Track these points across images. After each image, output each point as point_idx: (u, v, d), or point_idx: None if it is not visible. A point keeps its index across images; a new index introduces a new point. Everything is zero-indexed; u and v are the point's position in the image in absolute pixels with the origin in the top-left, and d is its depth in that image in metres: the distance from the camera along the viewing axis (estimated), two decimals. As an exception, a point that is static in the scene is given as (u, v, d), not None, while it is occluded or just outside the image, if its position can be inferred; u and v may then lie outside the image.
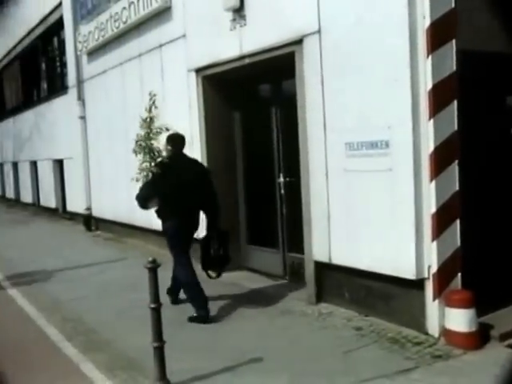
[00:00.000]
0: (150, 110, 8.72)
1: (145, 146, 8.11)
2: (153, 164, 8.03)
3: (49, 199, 17.02)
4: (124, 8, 9.88)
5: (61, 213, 16.07)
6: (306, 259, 6.50)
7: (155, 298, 4.39)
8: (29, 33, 17.66)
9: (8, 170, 22.55)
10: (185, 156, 6.65)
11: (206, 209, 6.47)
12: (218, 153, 8.14)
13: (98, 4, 11.24)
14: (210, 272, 6.54)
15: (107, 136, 11.68)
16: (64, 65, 14.94)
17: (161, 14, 8.97)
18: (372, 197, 5.46)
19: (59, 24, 14.54)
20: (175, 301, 6.75)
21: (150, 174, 7.08)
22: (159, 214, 6.45)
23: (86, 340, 5.77)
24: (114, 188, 11.56)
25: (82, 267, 9.19)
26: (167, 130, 7.88)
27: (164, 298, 5.23)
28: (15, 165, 21.33)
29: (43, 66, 17.41)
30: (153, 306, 4.38)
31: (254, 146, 8.08)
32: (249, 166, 8.19)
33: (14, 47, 19.83)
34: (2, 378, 4.72)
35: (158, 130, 8.49)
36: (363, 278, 5.75)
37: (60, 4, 14.14)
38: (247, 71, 7.42)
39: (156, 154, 8.15)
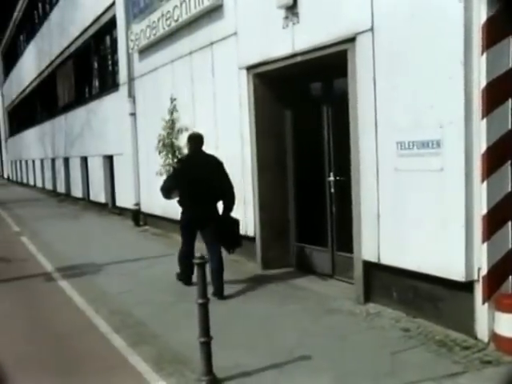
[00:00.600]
0: (171, 114, 10.21)
1: (167, 145, 10.05)
2: (174, 160, 9.28)
3: (98, 194, 17.35)
4: (176, 6, 9.97)
5: (110, 208, 16.34)
6: (355, 258, 6.45)
7: (203, 293, 4.43)
8: (82, 32, 18.06)
9: (59, 165, 23.08)
10: (203, 152, 7.38)
11: (223, 197, 7.19)
12: (268, 151, 8.15)
13: (151, 3, 11.37)
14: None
15: (157, 133, 11.76)
16: (115, 63, 15.19)
17: (212, 12, 9.02)
18: (422, 197, 5.38)
19: (112, 23, 14.82)
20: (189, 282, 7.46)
21: (172, 169, 8.30)
22: (180, 203, 7.38)
23: (134, 333, 5.86)
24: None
25: (130, 261, 9.33)
26: (187, 130, 9.37)
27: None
28: (66, 160, 21.83)
29: (95, 64, 17.74)
30: (200, 301, 4.41)
31: (304, 144, 8.04)
32: (299, 164, 8.16)
33: (68, 46, 20.31)
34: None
35: (179, 130, 9.97)
36: (412, 278, 5.68)
37: (113, 4, 14.40)
38: (298, 69, 7.39)
39: (177, 151, 9.93)
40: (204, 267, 4.47)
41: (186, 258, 7.30)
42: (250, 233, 8.40)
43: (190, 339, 5.12)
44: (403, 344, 5.11)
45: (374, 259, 6.11)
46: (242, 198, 8.46)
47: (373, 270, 6.24)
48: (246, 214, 8.43)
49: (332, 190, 7.45)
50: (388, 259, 5.92)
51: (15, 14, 33.43)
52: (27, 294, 7.79)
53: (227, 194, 7.20)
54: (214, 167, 7.26)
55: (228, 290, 7.01)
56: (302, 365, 4.74)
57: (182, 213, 7.40)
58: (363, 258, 6.28)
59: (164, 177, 7.14)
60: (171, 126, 10.34)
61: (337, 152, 7.33)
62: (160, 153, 10.50)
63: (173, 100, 10.18)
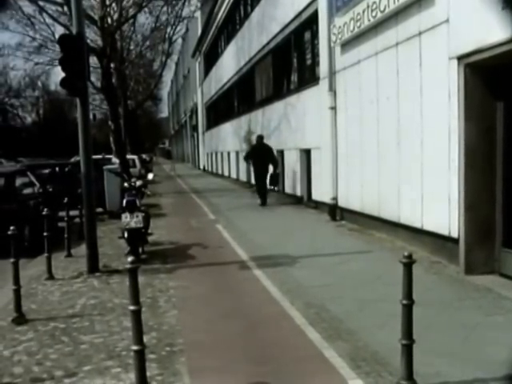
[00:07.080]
0: (249, 129, 23.88)
1: (247, 139, 23.82)
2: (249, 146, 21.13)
3: (294, 187, 17.59)
4: (383, -4, 9.69)
5: (305, 201, 16.45)
6: None
7: (408, 294, 4.25)
8: (283, 29, 18.44)
9: (255, 157, 23.96)
10: (263, 143, 17.34)
11: (272, 164, 17.04)
12: (477, 144, 7.56)
13: (356, -5, 11.18)
14: (270, 187, 17.45)
15: (358, 126, 11.66)
16: (315, 57, 15.26)
17: (422, 0, 8.62)
18: None
19: (313, 18, 14.90)
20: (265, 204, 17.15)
21: (249, 149, 19.28)
22: (252, 165, 18.04)
23: (329, 327, 5.82)
24: (362, 179, 11.52)
25: (324, 256, 9.28)
26: (254, 133, 21.69)
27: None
28: (262, 153, 22.56)
29: (294, 59, 18.00)
30: (405, 302, 4.26)
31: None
32: (509, 162, 7.47)
33: (268, 43, 20.88)
34: None
35: (252, 132, 22.43)
36: None
37: None
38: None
39: (251, 142, 21.64)
40: (411, 267, 4.24)
41: (261, 192, 16.98)
42: (454, 234, 7.92)
43: (387, 339, 5.03)
44: None
45: None
46: (447, 196, 8.01)
47: None
48: (450, 213, 7.97)
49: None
50: None
51: (217, 18, 35.33)
52: (224, 279, 8.12)
53: (273, 163, 17.00)
54: (267, 150, 16.99)
55: (429, 293, 6.65)
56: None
57: (254, 173, 17.84)
58: None
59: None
60: (248, 131, 22.95)
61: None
62: (244, 142, 23.26)
63: (249, 123, 22.69)
